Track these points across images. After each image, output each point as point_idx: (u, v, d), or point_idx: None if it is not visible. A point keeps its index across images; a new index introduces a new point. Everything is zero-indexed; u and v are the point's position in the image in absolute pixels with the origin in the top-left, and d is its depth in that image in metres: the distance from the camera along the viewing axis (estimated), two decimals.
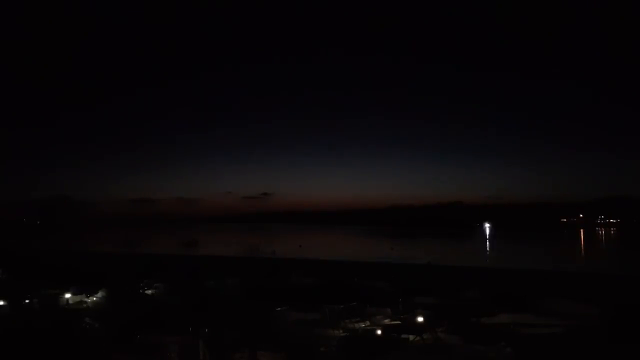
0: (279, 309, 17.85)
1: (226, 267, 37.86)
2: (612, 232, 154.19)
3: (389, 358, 12.34)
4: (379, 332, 14.74)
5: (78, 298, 21.73)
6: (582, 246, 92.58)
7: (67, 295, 21.58)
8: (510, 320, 16.19)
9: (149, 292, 24.23)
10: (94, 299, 21.72)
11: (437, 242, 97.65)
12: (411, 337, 13.94)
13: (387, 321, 16.58)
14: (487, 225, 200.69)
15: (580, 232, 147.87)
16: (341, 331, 15.15)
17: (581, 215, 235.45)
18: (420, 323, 14.90)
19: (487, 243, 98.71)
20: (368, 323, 16.15)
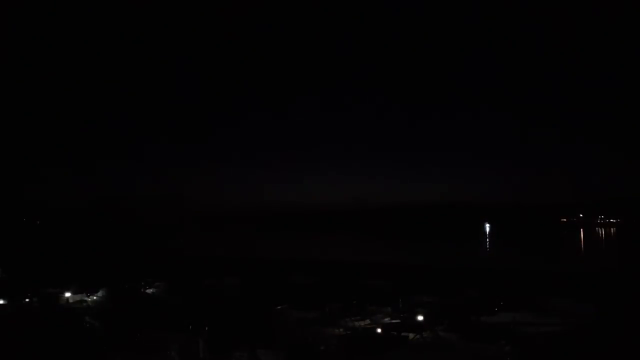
0: (279, 307, 17.89)
1: (226, 267, 37.88)
2: (612, 232, 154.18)
3: (389, 356, 12.37)
4: (379, 330, 14.78)
5: (78, 297, 21.77)
6: (582, 246, 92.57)
7: (67, 295, 21.60)
8: (510, 319, 16.22)
9: (149, 291, 24.30)
10: (94, 298, 21.76)
11: (437, 242, 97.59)
12: (411, 335, 13.97)
13: (387, 320, 16.62)
14: (487, 225, 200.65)
15: (580, 232, 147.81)
16: (341, 330, 15.17)
17: (581, 215, 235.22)
18: (420, 322, 14.94)
19: (487, 243, 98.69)
20: (368, 321, 16.19)
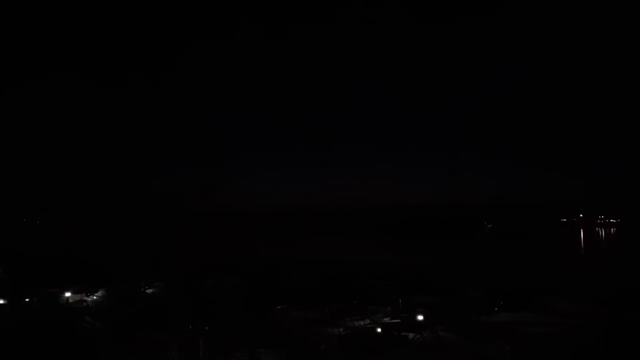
0: (279, 307, 17.87)
1: (226, 267, 37.88)
2: (612, 231, 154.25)
3: (389, 356, 12.37)
4: (379, 330, 14.78)
5: (78, 297, 21.79)
6: (582, 246, 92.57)
7: (67, 294, 21.62)
8: (510, 319, 16.22)
9: (149, 290, 24.32)
10: (94, 297, 21.77)
11: (438, 242, 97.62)
12: (411, 335, 13.96)
13: (387, 319, 16.64)
14: (487, 225, 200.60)
15: (580, 231, 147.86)
16: (341, 329, 15.17)
17: (581, 215, 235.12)
18: (420, 321, 14.95)
19: (487, 243, 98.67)
20: (368, 321, 16.21)
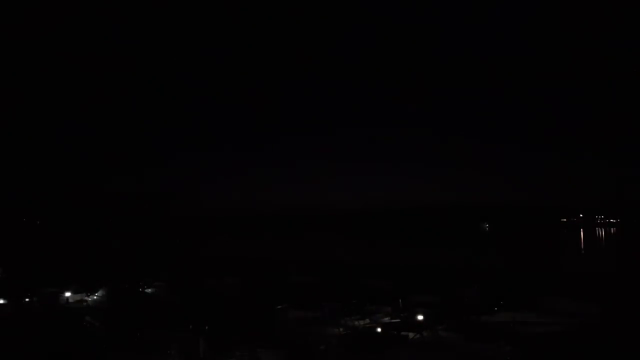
0: (279, 307, 17.89)
1: (226, 267, 37.88)
2: (612, 231, 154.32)
3: (389, 355, 12.39)
4: (379, 329, 14.80)
5: (78, 297, 21.80)
6: (582, 246, 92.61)
7: (67, 294, 21.63)
8: (510, 318, 16.21)
9: (148, 290, 24.34)
10: (94, 298, 21.79)
11: (437, 242, 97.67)
12: (411, 334, 13.98)
13: (387, 319, 16.63)
14: (486, 225, 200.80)
15: (580, 232, 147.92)
16: (341, 329, 15.19)
17: (581, 215, 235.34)
18: (420, 321, 14.95)
19: (487, 243, 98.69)
20: (368, 321, 16.21)
